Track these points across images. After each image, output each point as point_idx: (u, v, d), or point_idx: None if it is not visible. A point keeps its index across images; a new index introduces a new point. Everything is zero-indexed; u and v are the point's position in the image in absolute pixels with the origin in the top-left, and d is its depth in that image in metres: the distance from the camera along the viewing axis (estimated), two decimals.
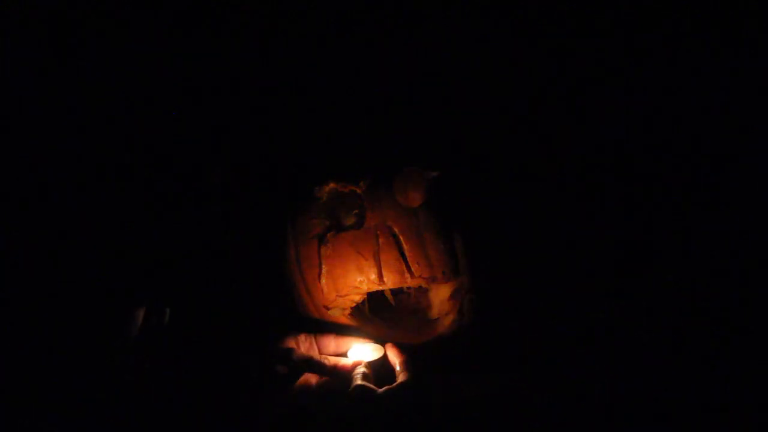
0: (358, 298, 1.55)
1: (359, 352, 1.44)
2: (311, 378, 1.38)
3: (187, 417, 1.39)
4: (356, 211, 1.57)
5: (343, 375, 1.36)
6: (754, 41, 1.58)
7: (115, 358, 1.44)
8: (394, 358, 1.42)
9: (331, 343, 1.47)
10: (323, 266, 1.53)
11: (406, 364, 1.39)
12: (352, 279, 1.50)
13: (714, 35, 1.59)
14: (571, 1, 1.63)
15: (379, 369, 1.38)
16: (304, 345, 1.46)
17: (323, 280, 1.53)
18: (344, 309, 1.55)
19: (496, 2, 1.64)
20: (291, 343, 1.43)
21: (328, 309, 1.55)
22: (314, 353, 1.45)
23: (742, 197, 1.55)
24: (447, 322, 1.57)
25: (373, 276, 1.49)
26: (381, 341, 1.48)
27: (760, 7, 1.56)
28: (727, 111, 1.58)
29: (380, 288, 1.52)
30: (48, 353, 1.48)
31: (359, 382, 1.31)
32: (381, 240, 1.51)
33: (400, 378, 1.35)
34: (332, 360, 1.40)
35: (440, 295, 1.60)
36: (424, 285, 1.53)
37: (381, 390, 1.30)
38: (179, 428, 1.38)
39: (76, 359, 1.45)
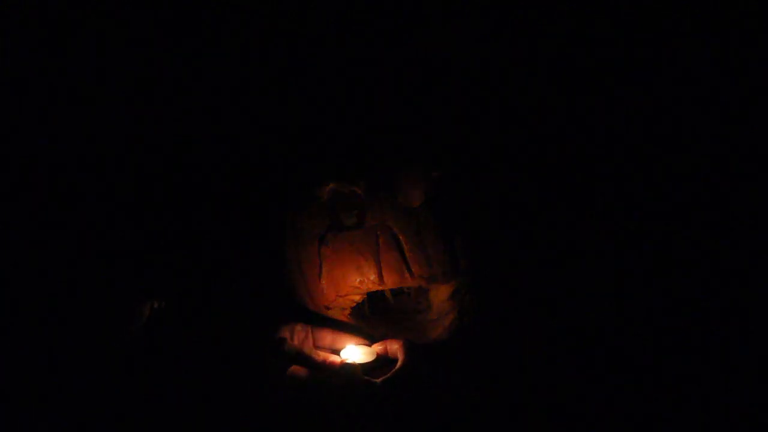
0: (358, 298, 1.55)
1: (351, 353, 1.44)
2: (301, 370, 1.38)
3: (186, 411, 1.39)
4: (356, 211, 1.57)
5: (331, 371, 1.36)
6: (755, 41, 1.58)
7: (117, 356, 1.45)
8: (392, 345, 1.42)
9: (327, 336, 1.48)
10: (323, 266, 1.53)
11: (404, 347, 1.39)
12: (352, 279, 1.50)
13: (714, 35, 1.59)
14: (572, 2, 1.63)
15: (369, 373, 1.38)
16: (299, 336, 1.46)
17: (323, 281, 1.53)
18: (344, 309, 1.56)
19: (497, 1, 1.64)
20: (285, 333, 1.43)
21: (328, 309, 1.55)
22: (308, 345, 1.45)
23: (740, 197, 1.55)
24: (447, 322, 1.57)
25: (373, 276, 1.49)
26: (375, 341, 1.48)
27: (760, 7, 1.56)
28: (726, 111, 1.58)
29: (380, 288, 1.52)
30: (50, 352, 1.49)
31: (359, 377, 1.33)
32: (381, 240, 1.51)
33: (397, 364, 1.36)
34: (322, 355, 1.40)
35: (440, 295, 1.60)
36: (424, 285, 1.53)
37: (379, 380, 1.31)
38: (179, 422, 1.39)
39: (78, 357, 1.46)
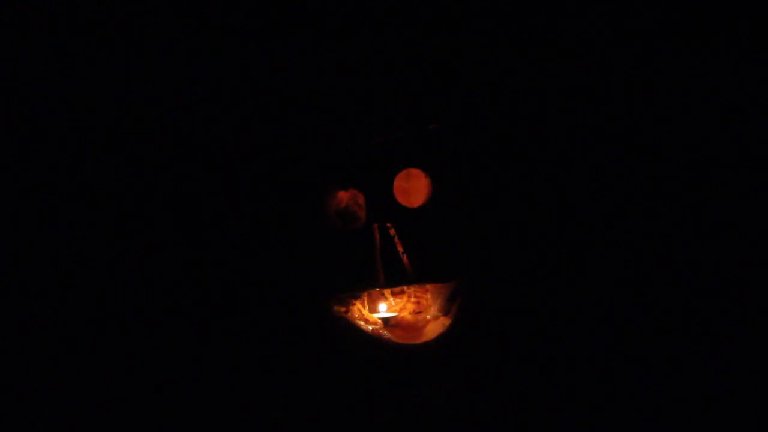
0: (358, 297, 1.58)
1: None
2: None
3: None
4: (357, 211, 1.59)
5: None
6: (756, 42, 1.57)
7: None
8: None
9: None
10: None
11: None
12: (352, 278, 1.53)
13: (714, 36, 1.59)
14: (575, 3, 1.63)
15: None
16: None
17: None
18: (343, 309, 1.58)
19: (498, 3, 1.64)
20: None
21: None
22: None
23: (737, 198, 1.55)
24: (446, 322, 1.58)
25: (373, 276, 1.52)
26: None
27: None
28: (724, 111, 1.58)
29: (380, 288, 1.54)
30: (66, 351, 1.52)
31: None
32: (381, 240, 1.53)
33: None
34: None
35: (439, 296, 1.62)
36: (423, 285, 1.55)
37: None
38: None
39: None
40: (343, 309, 1.58)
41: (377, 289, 1.59)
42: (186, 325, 1.57)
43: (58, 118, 1.63)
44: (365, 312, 1.63)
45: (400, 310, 1.69)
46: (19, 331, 1.54)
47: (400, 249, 1.54)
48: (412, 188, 1.62)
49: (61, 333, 1.55)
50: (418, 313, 1.68)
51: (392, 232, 1.54)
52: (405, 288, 1.68)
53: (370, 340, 1.55)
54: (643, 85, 1.62)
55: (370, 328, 1.59)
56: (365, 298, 1.63)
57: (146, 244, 1.61)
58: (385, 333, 1.58)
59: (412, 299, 1.70)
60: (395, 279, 1.52)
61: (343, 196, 1.62)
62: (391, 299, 1.68)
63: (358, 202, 1.60)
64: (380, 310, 1.64)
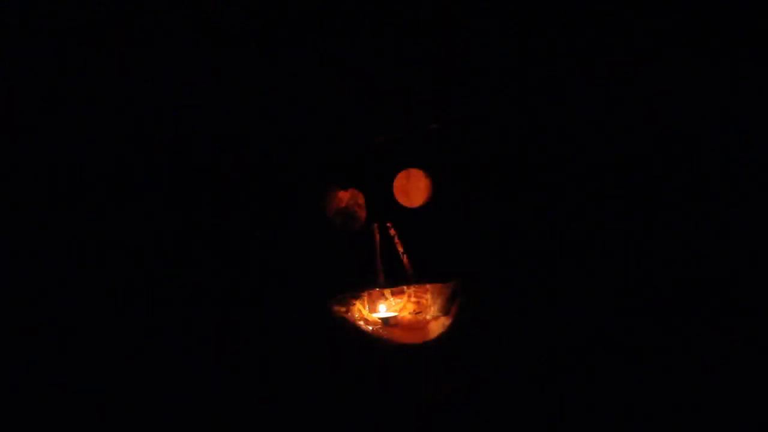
0: (358, 297, 1.59)
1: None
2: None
3: None
4: (357, 211, 1.59)
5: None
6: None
7: None
8: None
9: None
10: None
11: None
12: (352, 278, 1.53)
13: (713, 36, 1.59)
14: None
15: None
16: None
17: None
18: (343, 309, 1.58)
19: (498, 3, 1.64)
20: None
21: None
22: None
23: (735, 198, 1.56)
24: (446, 322, 1.59)
25: (373, 276, 1.52)
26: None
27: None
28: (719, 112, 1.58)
29: (380, 288, 1.54)
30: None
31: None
32: (381, 240, 1.54)
33: None
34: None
35: (439, 296, 1.62)
36: (423, 285, 1.55)
37: None
38: None
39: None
40: (343, 309, 1.59)
41: (377, 289, 1.59)
42: (186, 326, 1.57)
43: (58, 118, 1.63)
44: (365, 312, 1.64)
45: (400, 310, 1.69)
46: (19, 331, 1.54)
47: (400, 249, 1.54)
48: (412, 188, 1.62)
49: (61, 333, 1.55)
50: (418, 313, 1.68)
51: (392, 232, 1.55)
52: (405, 288, 1.68)
53: (370, 340, 1.56)
54: (644, 86, 1.62)
55: (370, 328, 1.60)
56: (365, 298, 1.64)
57: (146, 244, 1.61)
58: (385, 333, 1.58)
59: (412, 299, 1.70)
60: (395, 279, 1.52)
61: (343, 196, 1.62)
62: (391, 299, 1.69)
63: (358, 202, 1.60)
64: (380, 310, 1.64)
